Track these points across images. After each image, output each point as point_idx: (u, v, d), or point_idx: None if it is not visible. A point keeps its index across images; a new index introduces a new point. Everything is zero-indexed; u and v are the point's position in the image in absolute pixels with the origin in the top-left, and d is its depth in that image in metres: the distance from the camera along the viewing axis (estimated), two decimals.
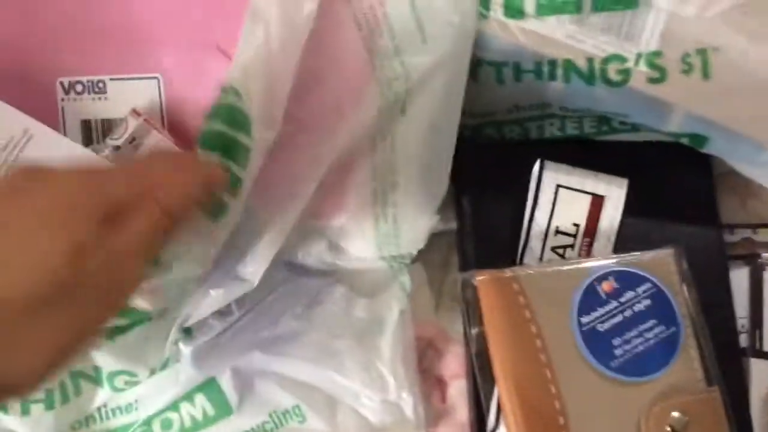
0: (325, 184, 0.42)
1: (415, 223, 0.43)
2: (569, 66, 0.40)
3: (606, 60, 0.39)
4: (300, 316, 0.43)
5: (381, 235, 0.43)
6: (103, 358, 0.41)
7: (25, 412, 0.41)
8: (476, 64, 0.41)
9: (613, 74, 0.40)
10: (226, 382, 0.43)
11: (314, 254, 0.43)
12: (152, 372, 0.42)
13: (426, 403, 0.41)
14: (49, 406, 0.42)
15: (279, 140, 0.41)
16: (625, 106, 0.41)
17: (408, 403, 0.41)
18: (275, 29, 0.36)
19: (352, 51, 0.40)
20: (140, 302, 0.37)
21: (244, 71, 0.36)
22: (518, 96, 0.42)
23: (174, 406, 0.43)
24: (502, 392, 0.39)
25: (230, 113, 0.35)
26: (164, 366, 0.43)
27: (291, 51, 0.37)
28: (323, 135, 0.41)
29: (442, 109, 0.41)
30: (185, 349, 0.41)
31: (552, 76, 0.40)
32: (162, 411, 0.44)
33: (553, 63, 0.40)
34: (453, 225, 0.44)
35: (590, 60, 0.40)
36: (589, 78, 0.40)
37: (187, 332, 0.42)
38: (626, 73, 0.40)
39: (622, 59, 0.40)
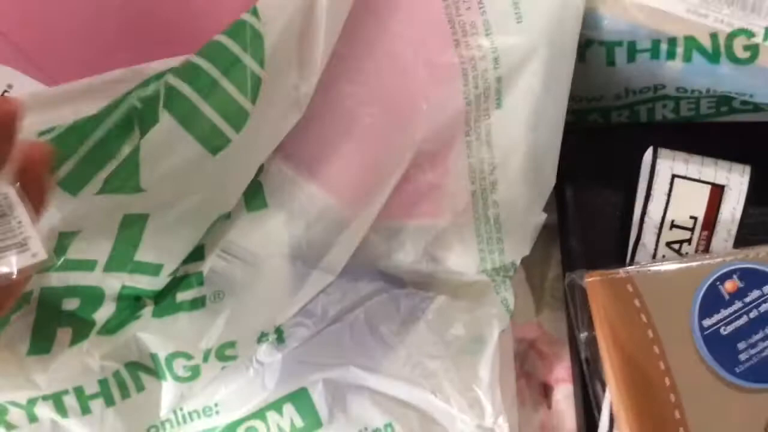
0: (416, 181, 0.39)
1: (519, 224, 0.40)
2: (691, 43, 0.36)
3: (731, 35, 0.36)
4: (395, 331, 0.41)
5: (483, 240, 0.40)
6: (151, 338, 0.39)
7: (84, 410, 0.39)
8: (584, 45, 0.37)
9: (739, 51, 0.36)
10: (317, 394, 0.41)
11: (409, 262, 0.40)
12: (206, 355, 0.40)
13: (530, 410, 0.40)
14: (109, 401, 0.40)
15: (347, 117, 0.38)
16: (751, 85, 0.37)
17: (504, 429, 0.39)
18: None
19: (430, 21, 0.37)
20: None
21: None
22: (630, 78, 0.39)
23: (260, 414, 0.41)
24: (615, 400, 0.36)
25: (241, 28, 0.33)
26: (227, 358, 0.41)
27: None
28: (397, 115, 0.38)
29: (543, 100, 0.37)
30: (276, 355, 0.40)
31: (671, 55, 0.37)
32: (246, 418, 0.42)
33: (672, 41, 0.36)
34: (553, 218, 0.42)
35: (714, 36, 0.36)
36: (712, 56, 0.36)
37: (279, 336, 0.40)
38: (754, 49, 0.36)
39: (749, 34, 0.36)
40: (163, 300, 0.39)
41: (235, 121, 0.34)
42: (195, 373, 0.40)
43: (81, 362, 0.38)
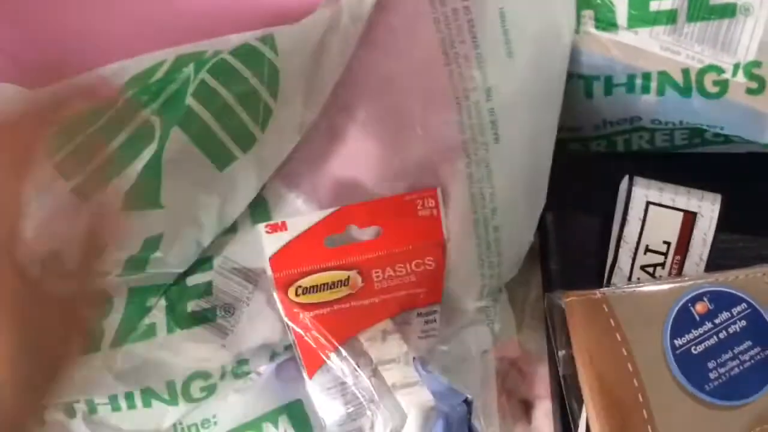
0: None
1: (515, 246, 0.41)
2: (664, 78, 0.38)
3: (702, 71, 0.38)
4: None
5: (484, 265, 0.41)
6: (170, 359, 0.40)
7: (92, 411, 0.41)
8: (566, 79, 0.40)
9: (709, 86, 0.38)
10: (311, 406, 0.42)
11: None
12: (224, 372, 0.41)
13: (510, 425, 0.41)
14: (116, 408, 0.41)
15: (340, 139, 0.40)
16: (721, 118, 0.40)
17: None
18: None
19: (425, 49, 0.39)
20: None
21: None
22: (607, 110, 0.41)
23: (256, 425, 0.43)
24: (591, 416, 0.38)
25: (259, 61, 0.37)
26: (241, 374, 0.42)
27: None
28: (391, 138, 0.40)
29: (537, 130, 0.40)
30: (272, 366, 0.41)
31: (645, 90, 0.39)
32: (242, 428, 0.43)
33: (647, 76, 0.38)
34: (534, 241, 0.43)
35: (686, 71, 0.38)
36: (684, 90, 0.39)
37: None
38: (723, 84, 0.38)
39: (719, 70, 0.38)
40: (175, 310, 0.40)
41: (244, 144, 0.37)
42: (210, 391, 0.41)
43: (95, 376, 0.39)
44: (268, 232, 0.40)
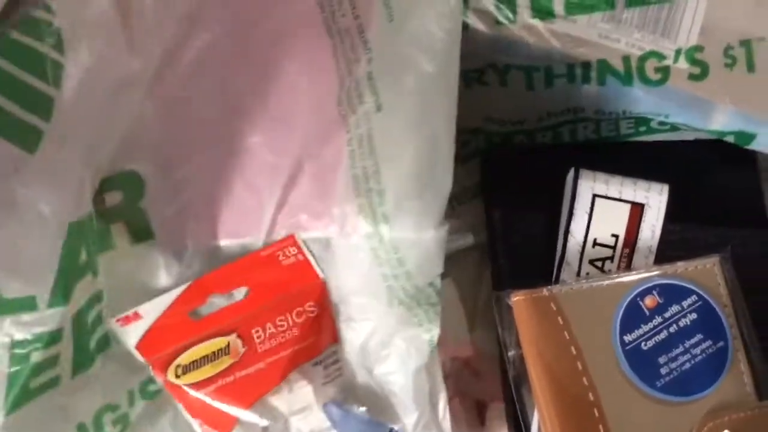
0: (301, 188, 0.38)
1: (417, 240, 0.37)
2: (604, 67, 0.37)
3: (643, 58, 0.37)
4: None
5: (383, 263, 0.38)
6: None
7: None
8: (504, 70, 0.39)
9: (651, 73, 0.37)
10: None
11: None
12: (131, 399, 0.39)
13: (464, 427, 0.40)
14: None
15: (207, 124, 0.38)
16: (665, 105, 0.39)
17: None
18: None
19: (304, 15, 0.37)
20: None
21: None
22: (550, 102, 0.40)
23: None
24: (542, 417, 0.37)
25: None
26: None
27: None
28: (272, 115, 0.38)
29: (425, 106, 0.36)
30: None
31: (586, 79, 0.38)
32: None
33: (586, 65, 0.37)
34: (484, 238, 0.42)
35: (626, 59, 0.37)
36: (625, 78, 0.38)
37: None
38: (665, 71, 0.37)
39: (660, 56, 0.37)
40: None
41: (42, 111, 0.32)
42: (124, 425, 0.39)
43: None
44: (121, 325, 0.38)
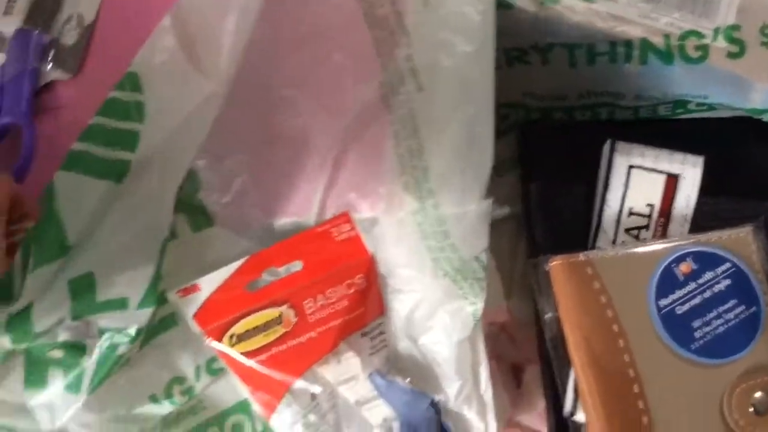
0: (348, 169, 0.41)
1: (461, 214, 0.38)
2: (646, 45, 0.38)
3: (683, 36, 0.38)
4: None
5: (428, 236, 0.39)
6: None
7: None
8: (547, 49, 0.40)
9: (691, 50, 0.38)
10: None
11: None
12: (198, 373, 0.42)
13: (500, 389, 0.41)
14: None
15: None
16: (704, 85, 0.40)
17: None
18: None
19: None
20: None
21: None
22: (591, 81, 0.41)
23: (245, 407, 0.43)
24: (579, 377, 0.38)
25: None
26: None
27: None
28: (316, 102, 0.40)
29: (464, 85, 0.38)
30: None
31: (628, 58, 0.39)
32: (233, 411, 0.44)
33: (629, 43, 0.39)
34: (520, 209, 0.44)
35: (667, 37, 0.38)
36: (666, 56, 0.39)
37: None
38: (704, 49, 0.38)
39: (699, 35, 0.38)
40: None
41: (127, 144, 0.39)
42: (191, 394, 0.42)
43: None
44: (181, 296, 0.40)
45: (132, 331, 0.39)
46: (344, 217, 0.41)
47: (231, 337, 0.40)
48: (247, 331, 0.40)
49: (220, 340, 0.40)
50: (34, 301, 0.38)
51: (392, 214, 0.40)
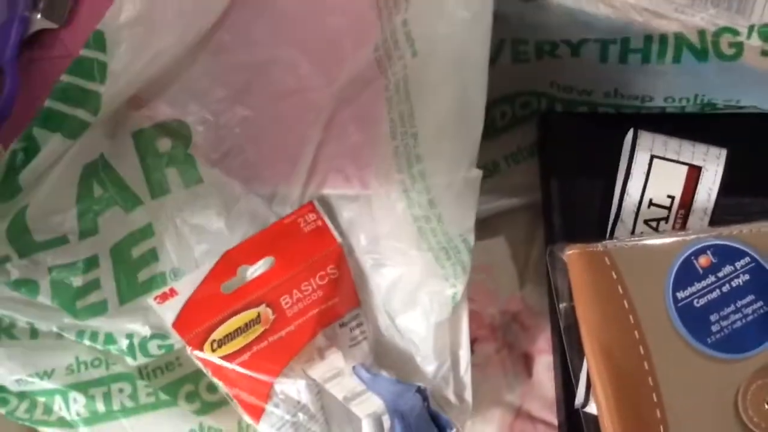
0: (341, 130, 0.40)
1: (449, 184, 0.37)
2: (680, 41, 0.38)
3: (717, 33, 0.37)
4: None
5: (414, 205, 0.38)
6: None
7: None
8: (579, 44, 0.39)
9: (725, 47, 0.37)
10: None
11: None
12: None
13: (511, 378, 0.41)
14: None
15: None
16: (737, 85, 0.39)
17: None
18: None
19: None
20: None
21: None
22: (620, 79, 0.40)
23: None
24: (592, 368, 0.38)
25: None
26: None
27: None
28: (316, 66, 0.40)
29: (459, 52, 0.37)
30: None
31: (661, 55, 0.38)
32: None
33: (663, 38, 0.38)
34: (537, 198, 0.43)
35: (702, 33, 0.37)
36: (701, 53, 0.38)
37: None
38: (739, 46, 0.37)
39: (734, 32, 0.37)
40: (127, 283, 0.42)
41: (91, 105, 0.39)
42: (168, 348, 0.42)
43: None
44: (159, 303, 0.40)
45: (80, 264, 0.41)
46: (309, 206, 0.41)
47: (212, 343, 0.40)
48: (227, 335, 0.40)
49: (201, 348, 0.40)
50: None
51: (380, 179, 0.40)
